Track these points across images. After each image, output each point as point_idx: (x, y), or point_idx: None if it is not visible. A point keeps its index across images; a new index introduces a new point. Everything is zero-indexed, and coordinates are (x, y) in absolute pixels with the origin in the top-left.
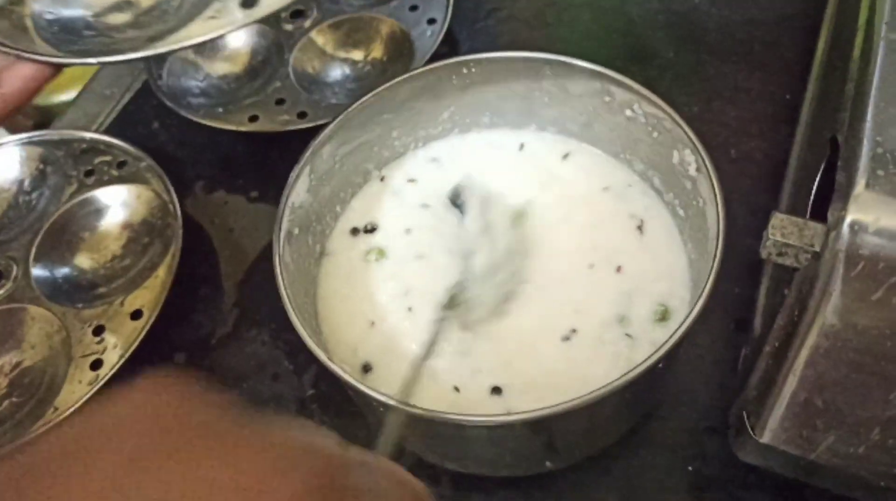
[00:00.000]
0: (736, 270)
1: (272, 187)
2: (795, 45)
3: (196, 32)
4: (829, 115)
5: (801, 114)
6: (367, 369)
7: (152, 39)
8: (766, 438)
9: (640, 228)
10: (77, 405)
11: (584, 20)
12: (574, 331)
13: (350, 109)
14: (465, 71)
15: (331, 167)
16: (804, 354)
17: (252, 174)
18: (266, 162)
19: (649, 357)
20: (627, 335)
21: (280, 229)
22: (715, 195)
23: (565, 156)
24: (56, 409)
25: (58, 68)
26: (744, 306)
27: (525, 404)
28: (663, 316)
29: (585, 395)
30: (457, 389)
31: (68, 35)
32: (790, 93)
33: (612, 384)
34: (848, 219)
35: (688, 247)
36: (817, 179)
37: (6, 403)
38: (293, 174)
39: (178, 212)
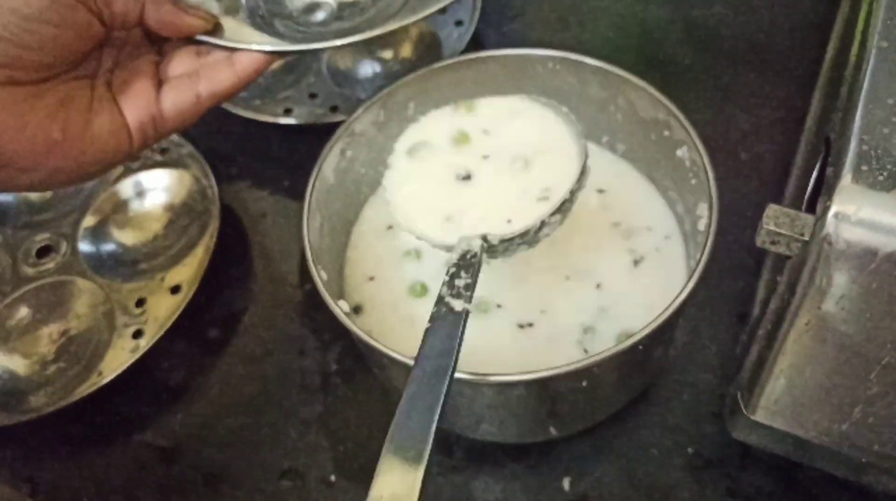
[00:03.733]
0: (740, 266)
1: (304, 176)
2: (808, 53)
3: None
4: (827, 117)
5: (808, 117)
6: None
7: (354, 30)
8: (758, 416)
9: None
10: (120, 371)
11: (606, 25)
12: (531, 325)
13: (439, 65)
14: (549, 65)
15: (402, 110)
16: (793, 335)
17: (285, 163)
18: (298, 152)
19: (643, 329)
20: (584, 350)
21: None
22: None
23: (617, 176)
24: (101, 374)
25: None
26: (747, 301)
27: (476, 359)
28: None
29: (585, 358)
30: None
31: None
32: (801, 99)
33: (607, 352)
34: (833, 209)
35: None
36: (813, 176)
37: (54, 368)
38: (366, 103)
39: (217, 196)
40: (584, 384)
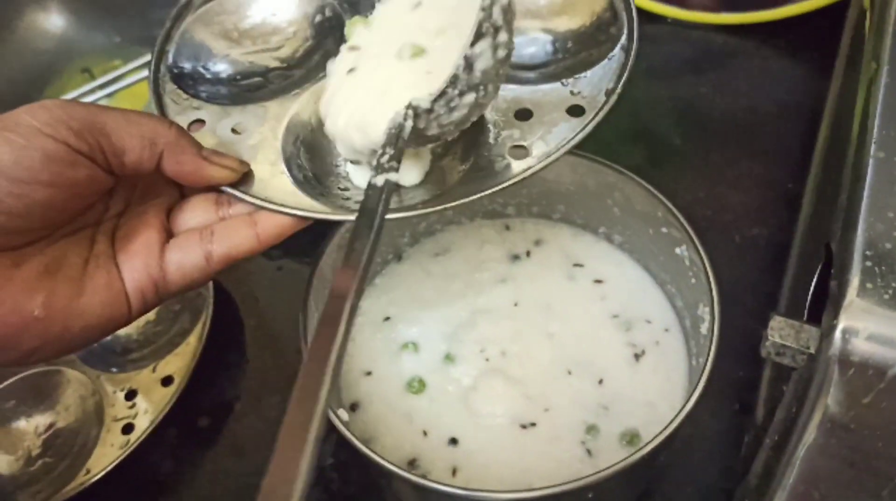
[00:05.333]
0: (739, 352)
1: (298, 257)
2: (796, 134)
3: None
4: (824, 218)
5: (801, 209)
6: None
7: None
8: None
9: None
10: (109, 468)
11: None
12: (534, 424)
13: None
14: None
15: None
16: (801, 450)
17: (280, 246)
18: (294, 234)
19: (650, 441)
20: (588, 450)
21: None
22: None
23: (615, 267)
24: (88, 471)
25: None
26: (747, 389)
27: (476, 460)
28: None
29: (592, 474)
30: (425, 433)
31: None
32: (791, 180)
33: (615, 466)
34: (840, 326)
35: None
36: (814, 281)
37: (40, 462)
38: None
39: (210, 281)
40: (590, 495)
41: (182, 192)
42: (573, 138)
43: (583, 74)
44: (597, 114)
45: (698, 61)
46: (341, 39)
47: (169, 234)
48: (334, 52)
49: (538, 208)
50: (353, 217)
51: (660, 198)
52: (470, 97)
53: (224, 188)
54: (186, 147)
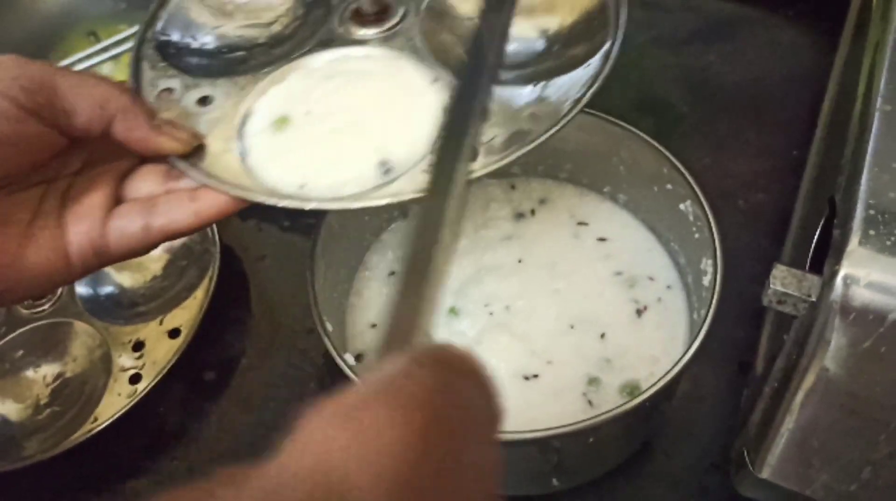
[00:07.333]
0: (740, 314)
1: (304, 216)
2: (802, 103)
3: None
4: (829, 176)
5: (806, 171)
6: None
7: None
8: (764, 474)
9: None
10: (116, 417)
11: None
12: (536, 376)
13: None
14: None
15: None
16: (800, 396)
17: None
18: None
19: (649, 387)
20: (589, 401)
21: None
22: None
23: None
24: (96, 419)
25: None
26: (747, 350)
27: None
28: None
29: (592, 418)
30: None
31: None
32: (797, 148)
33: (615, 410)
34: (842, 273)
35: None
36: (817, 234)
37: (48, 411)
38: None
39: (217, 238)
40: (591, 440)
41: (142, 159)
42: (520, 150)
43: (555, 79)
44: (546, 132)
45: (707, 30)
46: (326, 16)
47: (118, 200)
48: (318, 29)
49: (544, 168)
50: (288, 203)
51: (665, 154)
52: None
53: (171, 159)
54: (138, 114)
